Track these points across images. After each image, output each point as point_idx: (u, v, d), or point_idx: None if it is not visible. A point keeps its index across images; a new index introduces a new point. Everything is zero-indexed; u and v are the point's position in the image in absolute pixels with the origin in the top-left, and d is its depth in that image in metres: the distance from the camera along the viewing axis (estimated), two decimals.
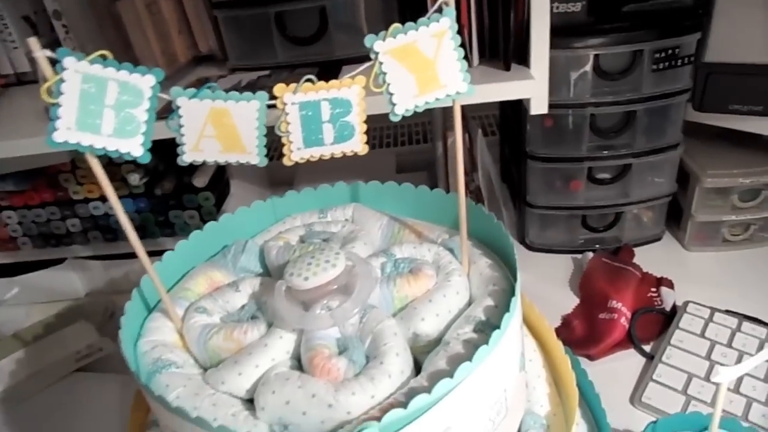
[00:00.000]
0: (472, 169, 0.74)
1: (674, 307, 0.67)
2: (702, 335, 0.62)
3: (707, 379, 0.58)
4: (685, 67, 0.66)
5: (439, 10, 0.37)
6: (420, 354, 0.39)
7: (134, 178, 0.77)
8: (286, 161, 0.38)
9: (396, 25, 0.36)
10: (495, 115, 1.10)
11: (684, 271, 0.73)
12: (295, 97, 0.36)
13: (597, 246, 0.78)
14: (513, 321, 0.37)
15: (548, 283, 0.74)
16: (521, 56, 0.58)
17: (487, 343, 0.34)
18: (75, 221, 0.83)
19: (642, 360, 0.62)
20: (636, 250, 0.76)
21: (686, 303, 0.66)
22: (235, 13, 0.65)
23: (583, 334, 0.65)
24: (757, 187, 0.71)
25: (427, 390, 0.32)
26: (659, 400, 0.56)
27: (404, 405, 0.31)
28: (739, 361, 0.59)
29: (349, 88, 0.37)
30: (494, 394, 0.36)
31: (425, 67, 0.37)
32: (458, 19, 0.37)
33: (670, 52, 0.65)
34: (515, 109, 0.74)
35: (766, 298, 0.67)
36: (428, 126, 1.12)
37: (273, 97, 0.36)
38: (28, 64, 0.78)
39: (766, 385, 0.56)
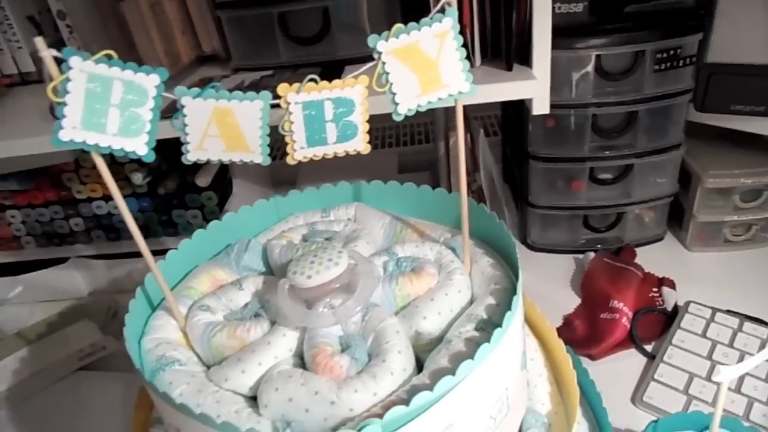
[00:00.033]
0: (474, 169, 0.74)
1: (676, 307, 0.67)
2: (703, 335, 0.62)
3: (708, 379, 0.58)
4: (686, 68, 0.66)
5: (442, 11, 0.37)
6: (422, 352, 0.39)
7: (137, 178, 0.77)
8: (289, 160, 0.38)
9: (399, 26, 0.36)
10: (497, 115, 1.11)
11: (685, 271, 0.73)
12: (299, 96, 0.36)
13: (599, 246, 0.78)
14: (515, 319, 0.37)
15: (550, 283, 0.74)
16: (523, 56, 0.58)
17: (488, 341, 0.34)
18: (78, 220, 0.84)
19: (643, 360, 0.62)
20: (638, 250, 0.76)
21: (688, 303, 0.66)
22: (238, 14, 0.65)
23: (584, 334, 0.65)
24: (759, 188, 0.71)
25: (429, 387, 0.32)
26: (660, 399, 0.56)
27: (406, 402, 0.31)
28: (740, 361, 0.59)
29: (352, 87, 0.37)
30: (496, 392, 0.36)
31: (428, 67, 0.37)
32: (460, 20, 0.38)
33: (672, 52, 0.65)
34: (517, 109, 0.74)
35: None
36: (430, 126, 1.12)
37: (276, 97, 0.36)
38: (32, 64, 0.79)
39: None
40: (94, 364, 0.69)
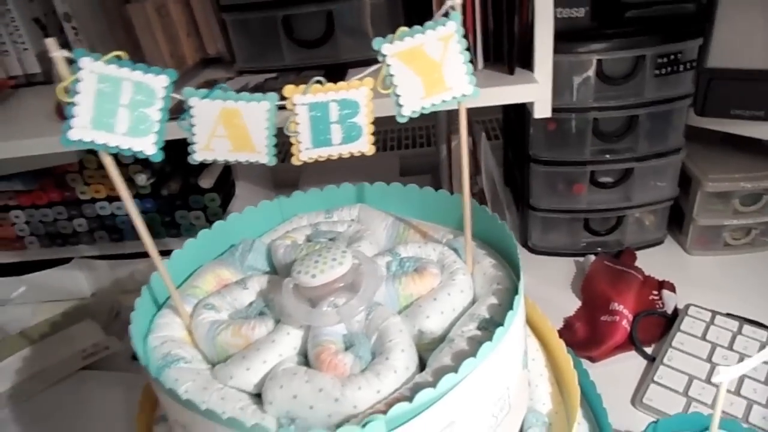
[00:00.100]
0: (475, 172, 0.75)
1: (675, 310, 0.67)
2: (703, 338, 0.63)
3: (708, 381, 0.58)
4: (687, 73, 0.67)
5: (446, 14, 0.37)
6: (424, 351, 0.40)
7: (141, 179, 0.78)
8: (294, 161, 0.39)
9: (403, 29, 0.36)
10: (498, 119, 1.11)
11: (685, 274, 0.73)
12: (305, 98, 0.37)
13: (599, 249, 0.78)
14: (516, 319, 0.37)
15: (550, 286, 0.74)
16: (525, 60, 0.59)
17: (491, 340, 0.34)
18: (82, 221, 0.84)
19: (643, 362, 0.62)
20: (638, 253, 0.77)
21: (687, 306, 0.67)
22: (243, 17, 0.66)
23: (584, 336, 0.65)
24: (759, 192, 0.71)
25: (432, 385, 0.32)
26: (660, 401, 0.57)
27: (409, 399, 0.32)
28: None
29: (357, 89, 0.37)
30: (498, 391, 0.37)
31: (432, 70, 0.38)
32: (463, 24, 0.38)
33: (672, 57, 0.65)
34: (519, 113, 0.75)
35: (767, 302, 0.67)
36: (432, 129, 1.13)
37: (282, 98, 0.37)
38: (37, 66, 0.79)
39: (767, 387, 0.56)
40: (96, 363, 0.70)
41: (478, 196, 0.74)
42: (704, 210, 0.74)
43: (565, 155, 0.72)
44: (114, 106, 0.35)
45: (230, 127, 0.37)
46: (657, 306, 0.68)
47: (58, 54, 0.33)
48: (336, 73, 0.62)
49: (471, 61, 0.39)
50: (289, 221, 0.53)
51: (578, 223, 0.78)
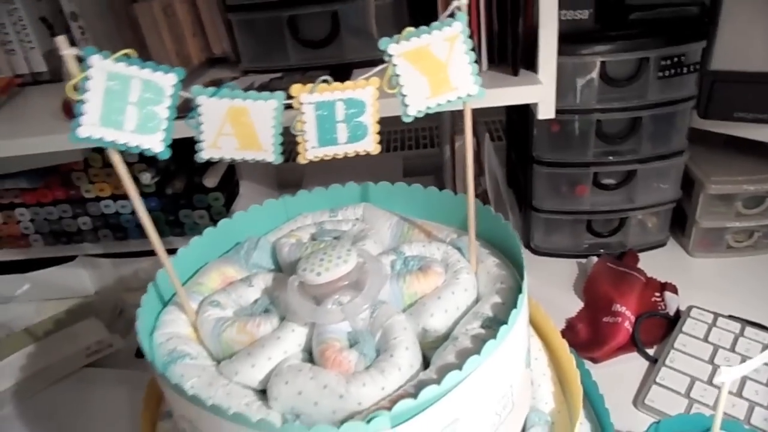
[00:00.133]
0: (479, 173, 0.75)
1: (678, 312, 0.67)
2: (705, 340, 0.63)
3: (710, 382, 0.58)
4: (690, 75, 0.67)
5: (452, 15, 0.38)
6: (428, 350, 0.40)
7: (146, 177, 0.78)
8: (300, 159, 0.39)
9: (410, 29, 0.37)
10: (501, 120, 1.11)
11: (688, 276, 0.73)
12: (311, 97, 0.37)
13: (601, 251, 0.78)
14: (520, 317, 0.38)
15: (553, 287, 0.75)
16: (529, 62, 0.59)
17: (495, 338, 0.34)
18: (86, 219, 0.85)
19: (645, 363, 0.62)
20: (640, 255, 0.77)
21: (690, 308, 0.67)
22: (248, 17, 0.66)
23: (587, 338, 0.66)
24: (761, 195, 0.71)
25: (437, 382, 0.32)
26: (662, 402, 0.57)
27: (414, 396, 0.32)
28: None
29: (364, 89, 0.38)
30: (501, 389, 0.37)
31: (437, 70, 0.38)
32: (468, 25, 0.38)
33: (675, 59, 0.66)
34: (522, 114, 0.75)
35: None
36: (435, 131, 1.13)
37: (289, 97, 0.37)
38: (44, 64, 0.80)
39: None
40: (100, 361, 0.70)
41: (481, 196, 0.75)
42: (707, 212, 0.74)
43: (568, 157, 0.72)
44: (123, 104, 0.35)
45: (237, 125, 0.37)
46: (659, 308, 0.68)
47: (68, 52, 0.33)
48: (341, 74, 0.62)
49: (476, 62, 0.39)
50: (293, 220, 0.53)
51: (581, 225, 0.78)
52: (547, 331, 0.50)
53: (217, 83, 0.37)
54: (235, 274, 0.47)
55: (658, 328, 0.66)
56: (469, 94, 0.40)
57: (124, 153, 0.37)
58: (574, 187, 0.75)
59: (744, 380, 0.57)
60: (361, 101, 0.38)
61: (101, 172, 0.80)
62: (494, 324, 0.39)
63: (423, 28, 0.37)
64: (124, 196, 0.83)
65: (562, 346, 0.48)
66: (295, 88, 0.37)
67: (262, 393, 0.38)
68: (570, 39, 0.62)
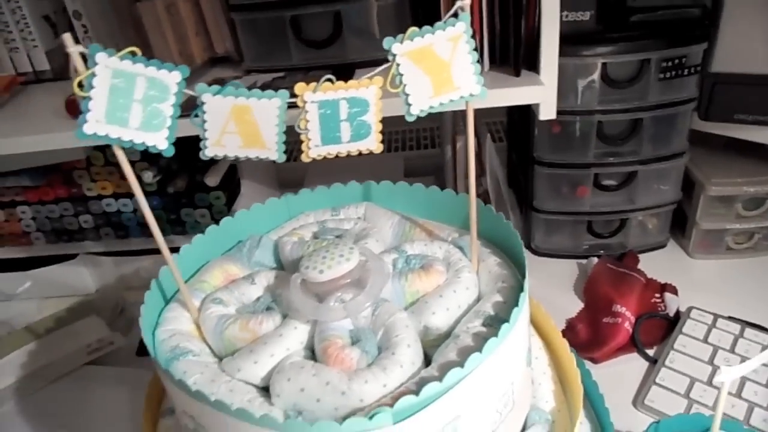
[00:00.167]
0: (480, 173, 0.75)
1: (678, 313, 0.68)
2: (705, 340, 0.63)
3: (710, 383, 0.58)
4: (691, 77, 0.68)
5: (455, 15, 0.38)
6: (430, 348, 0.40)
7: (147, 176, 0.78)
8: (303, 158, 0.39)
9: (413, 29, 0.37)
10: (502, 122, 1.12)
11: (688, 278, 0.73)
12: (315, 95, 0.37)
13: (602, 252, 0.78)
14: (521, 316, 0.38)
15: (553, 288, 0.75)
16: (531, 62, 0.59)
17: (496, 336, 0.35)
18: (88, 217, 0.85)
19: (645, 364, 0.63)
20: (640, 256, 0.77)
21: (690, 309, 0.67)
22: (251, 16, 0.66)
23: (587, 338, 0.66)
24: (761, 196, 0.72)
25: (438, 379, 0.33)
26: (662, 403, 0.57)
27: (416, 393, 0.32)
28: None
29: (367, 88, 0.38)
30: (502, 387, 0.37)
31: (440, 70, 0.38)
32: (470, 25, 0.39)
33: (677, 61, 0.66)
34: (523, 115, 0.75)
35: None
36: (436, 131, 1.13)
37: (293, 96, 0.37)
38: (46, 63, 0.80)
39: None
40: (101, 359, 0.70)
41: (482, 197, 0.75)
42: (707, 214, 0.74)
43: (569, 158, 0.73)
44: (128, 101, 0.35)
45: (241, 123, 0.37)
46: (659, 308, 0.68)
47: (74, 49, 0.33)
48: (343, 74, 0.62)
49: (478, 62, 0.39)
50: (296, 218, 0.53)
51: (581, 226, 0.78)
52: (548, 331, 0.50)
53: (220, 82, 0.37)
54: (237, 271, 0.47)
55: (658, 329, 0.66)
56: (472, 93, 0.40)
57: (127, 151, 0.37)
58: (574, 188, 0.75)
59: (743, 381, 0.58)
60: (365, 100, 0.38)
61: (103, 170, 0.81)
62: (495, 322, 0.39)
63: (426, 27, 0.37)
64: (126, 195, 0.83)
65: (563, 346, 0.48)
66: (299, 87, 0.37)
67: (265, 390, 0.38)
68: (571, 40, 0.62)
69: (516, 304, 0.37)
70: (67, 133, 0.63)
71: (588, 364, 0.61)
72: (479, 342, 0.36)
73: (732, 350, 0.62)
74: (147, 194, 0.80)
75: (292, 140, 0.40)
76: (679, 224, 0.79)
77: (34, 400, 0.66)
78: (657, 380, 0.59)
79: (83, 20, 0.74)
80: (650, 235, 0.79)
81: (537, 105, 0.59)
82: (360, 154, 0.40)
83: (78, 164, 0.80)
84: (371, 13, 0.65)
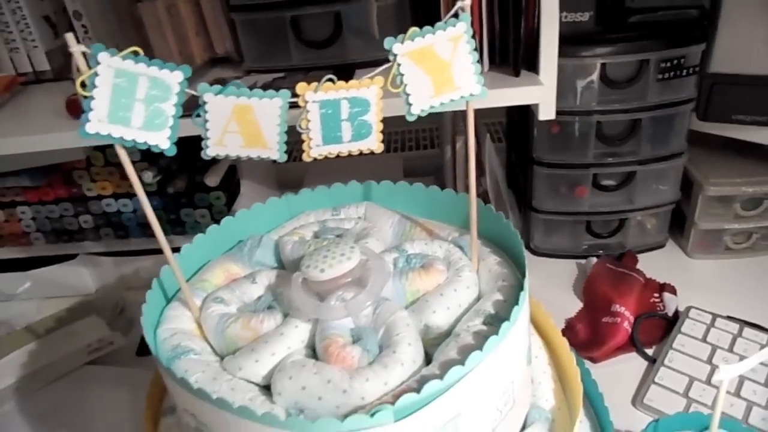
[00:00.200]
0: (479, 174, 0.75)
1: (676, 313, 0.68)
2: (704, 340, 0.63)
3: (708, 382, 0.59)
4: (690, 77, 0.68)
5: (456, 15, 0.38)
6: (430, 346, 0.40)
7: (147, 176, 0.79)
8: (304, 157, 0.40)
9: (414, 29, 0.37)
10: (501, 122, 1.12)
11: (686, 277, 0.74)
12: (316, 95, 0.37)
13: (601, 252, 0.79)
14: (521, 314, 0.38)
15: (552, 288, 0.75)
16: (530, 63, 0.60)
17: (497, 334, 0.35)
18: (87, 218, 0.85)
19: (644, 363, 0.63)
20: (639, 256, 0.77)
21: (688, 308, 0.67)
22: (251, 17, 0.66)
23: (586, 338, 0.66)
24: (760, 196, 0.72)
25: (439, 377, 0.33)
26: (661, 402, 0.57)
27: (417, 391, 0.32)
28: None
29: (368, 88, 0.38)
30: (502, 385, 0.37)
31: (441, 69, 0.39)
32: (470, 26, 0.39)
33: (675, 62, 0.66)
34: (522, 115, 0.76)
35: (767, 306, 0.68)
36: (435, 132, 1.13)
37: (294, 96, 0.38)
38: (46, 63, 0.80)
39: (767, 389, 0.57)
40: (101, 359, 0.70)
41: (481, 197, 0.75)
42: (705, 214, 0.75)
43: (568, 158, 0.73)
44: (130, 101, 0.35)
45: (243, 123, 0.38)
46: (658, 308, 0.68)
47: (77, 49, 0.33)
48: (343, 74, 0.62)
49: (478, 62, 0.40)
50: (296, 218, 0.53)
51: (580, 226, 0.78)
52: (548, 330, 0.51)
53: (221, 83, 0.37)
54: (238, 271, 0.48)
55: (657, 329, 0.66)
56: (472, 93, 0.40)
57: (127, 151, 0.37)
58: (573, 188, 0.75)
59: (742, 380, 0.58)
60: (366, 100, 0.38)
61: (103, 170, 0.81)
62: (496, 321, 0.39)
63: (427, 28, 0.38)
64: (126, 195, 0.83)
65: (563, 345, 0.48)
66: (301, 87, 0.37)
67: (266, 389, 0.38)
68: (570, 41, 0.62)
69: (516, 303, 0.37)
70: (67, 133, 0.63)
71: (587, 363, 0.61)
72: (480, 340, 0.36)
73: (731, 349, 0.62)
74: (147, 194, 0.81)
75: (292, 140, 0.40)
76: (678, 224, 0.79)
77: (35, 399, 0.66)
78: (656, 379, 0.59)
79: (83, 20, 0.74)
80: (649, 235, 0.80)
81: (536, 105, 0.59)
82: (361, 153, 0.41)
83: (78, 164, 0.80)
84: (371, 14, 0.65)
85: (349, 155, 0.40)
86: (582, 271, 0.77)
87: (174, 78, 0.36)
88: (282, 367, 0.37)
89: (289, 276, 0.42)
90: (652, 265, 0.75)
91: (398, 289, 0.43)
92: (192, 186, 0.81)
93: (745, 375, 0.58)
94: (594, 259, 0.75)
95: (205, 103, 0.37)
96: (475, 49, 0.39)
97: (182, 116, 0.37)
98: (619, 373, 0.61)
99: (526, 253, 0.81)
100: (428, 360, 0.39)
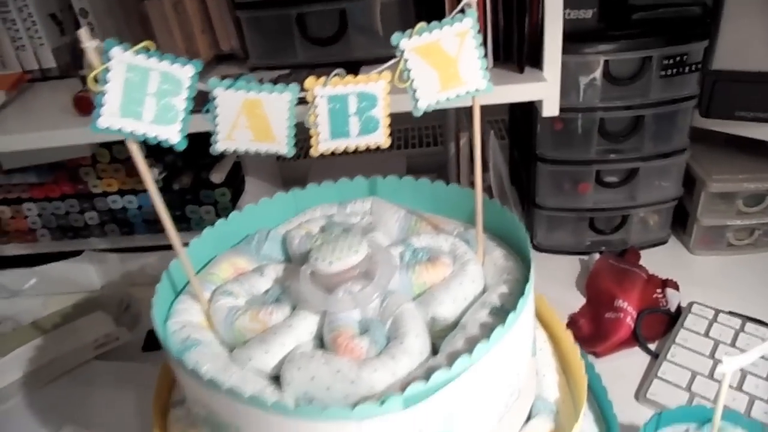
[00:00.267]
0: (483, 170, 0.76)
1: (679, 308, 0.68)
2: (706, 335, 0.64)
3: (711, 377, 0.59)
4: (692, 74, 0.68)
5: (462, 11, 0.39)
6: (437, 339, 0.41)
7: (153, 173, 0.79)
8: (312, 152, 0.40)
9: (422, 24, 0.38)
10: (504, 120, 1.12)
11: (689, 274, 0.74)
12: (325, 90, 0.38)
13: (603, 248, 0.79)
14: (527, 305, 0.38)
15: (555, 283, 0.75)
16: (534, 59, 0.60)
17: (503, 324, 0.35)
18: (93, 214, 0.86)
19: (647, 358, 0.63)
20: (642, 252, 0.78)
21: (691, 304, 0.68)
22: (257, 14, 0.67)
23: (589, 333, 0.66)
24: (762, 193, 0.72)
25: (447, 367, 0.33)
26: (664, 396, 0.58)
27: (425, 379, 0.33)
28: None
29: (376, 83, 0.39)
30: (508, 376, 0.38)
31: (447, 65, 0.39)
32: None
33: (678, 59, 0.67)
34: (526, 112, 0.76)
35: None
36: (438, 129, 1.14)
37: (303, 90, 0.38)
38: (52, 60, 0.80)
39: None
40: (107, 354, 0.71)
41: (485, 193, 0.76)
42: (708, 210, 0.75)
43: (571, 154, 0.73)
44: (141, 95, 0.36)
45: (252, 117, 0.38)
46: (660, 304, 0.69)
47: (90, 44, 0.34)
48: (349, 72, 0.63)
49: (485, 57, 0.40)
50: (303, 213, 0.54)
51: (583, 222, 0.79)
52: (552, 323, 0.51)
53: None
54: (246, 264, 0.48)
55: (660, 324, 0.67)
56: (478, 88, 0.41)
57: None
58: (576, 185, 0.76)
59: (744, 374, 0.58)
60: (373, 95, 0.39)
61: (109, 167, 0.81)
62: (501, 313, 0.39)
63: (434, 23, 0.38)
64: (131, 192, 0.84)
65: (566, 337, 0.49)
66: (309, 81, 0.37)
67: (275, 380, 0.39)
68: (574, 38, 0.63)
69: (522, 294, 0.38)
70: (74, 129, 0.64)
71: (590, 358, 0.62)
72: (486, 332, 0.37)
73: (733, 344, 0.62)
74: None
75: (297, 137, 0.40)
76: (680, 221, 0.80)
77: (41, 394, 0.66)
78: (659, 374, 0.60)
79: (90, 18, 0.75)
80: (651, 231, 0.80)
81: (540, 102, 0.60)
82: (367, 149, 0.41)
83: (84, 161, 0.81)
84: (376, 11, 0.66)
85: (354, 152, 0.41)
86: (585, 268, 0.77)
87: (185, 73, 0.36)
88: (291, 358, 0.38)
89: (296, 269, 0.43)
90: (654, 261, 0.75)
91: (405, 282, 0.43)
92: (197, 183, 0.82)
93: (748, 369, 0.58)
94: (597, 256, 0.76)
95: (215, 98, 0.37)
96: (482, 45, 0.40)
97: (192, 112, 0.37)
98: (622, 368, 0.62)
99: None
100: (434, 353, 0.40)
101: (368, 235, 0.48)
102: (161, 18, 0.66)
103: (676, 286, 0.71)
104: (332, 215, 0.52)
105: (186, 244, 0.46)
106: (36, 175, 0.82)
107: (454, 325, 0.41)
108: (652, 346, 0.64)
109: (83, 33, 0.34)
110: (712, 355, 0.62)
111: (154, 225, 0.86)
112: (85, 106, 0.64)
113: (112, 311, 0.77)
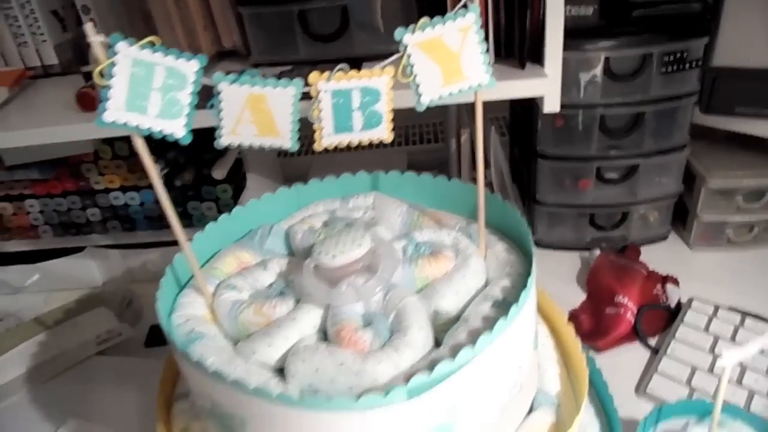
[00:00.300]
0: (484, 166, 0.76)
1: (679, 304, 0.69)
2: (706, 330, 0.64)
3: (711, 372, 0.59)
4: (692, 71, 0.69)
5: (465, 6, 0.39)
6: (439, 332, 0.41)
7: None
8: (316, 146, 0.40)
9: (425, 19, 0.38)
10: (504, 117, 1.13)
11: (688, 270, 0.74)
12: (329, 85, 0.38)
13: (604, 244, 0.79)
14: (529, 297, 0.39)
15: (556, 279, 0.76)
16: (536, 56, 0.60)
17: (506, 317, 0.36)
18: (95, 210, 0.86)
19: (647, 353, 0.64)
20: (642, 248, 0.78)
21: (691, 300, 0.68)
22: (259, 10, 0.67)
23: (590, 328, 0.67)
24: (762, 189, 0.73)
25: (450, 359, 0.34)
26: (664, 391, 0.58)
27: (429, 370, 0.33)
28: None
29: (379, 77, 0.39)
30: (510, 368, 0.38)
31: (450, 60, 0.40)
32: None
33: (678, 55, 0.67)
34: (526, 109, 0.76)
35: None
36: (439, 126, 1.14)
37: (307, 85, 0.38)
38: (54, 57, 0.81)
39: None
40: (109, 349, 0.71)
41: (487, 188, 0.76)
42: (708, 206, 0.75)
43: (572, 151, 0.74)
44: (146, 90, 0.36)
45: (256, 112, 0.38)
46: (661, 299, 0.69)
47: (95, 39, 0.34)
48: (351, 67, 0.64)
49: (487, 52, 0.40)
50: (306, 208, 0.54)
51: (584, 218, 0.79)
52: (553, 317, 0.51)
53: None
54: (249, 259, 0.48)
55: (660, 320, 0.67)
56: (481, 83, 0.41)
57: (133, 146, 0.38)
58: (577, 181, 0.76)
59: (744, 369, 0.59)
60: (377, 90, 0.39)
61: (111, 163, 0.82)
62: (504, 306, 0.40)
63: (437, 18, 0.38)
64: (133, 188, 0.84)
65: (568, 331, 0.49)
66: (313, 76, 0.38)
67: (279, 372, 0.39)
68: (574, 35, 0.63)
69: (524, 287, 0.38)
70: (76, 125, 0.64)
71: (591, 352, 0.62)
72: (488, 324, 0.37)
73: (732, 340, 0.63)
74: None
75: (300, 133, 0.41)
76: (680, 217, 0.80)
77: (45, 389, 0.66)
78: (659, 369, 0.60)
79: (92, 14, 0.75)
80: (652, 227, 0.80)
81: (541, 98, 0.60)
82: (369, 145, 0.41)
83: (86, 158, 0.81)
84: (377, 8, 0.66)
85: (355, 149, 0.41)
86: (585, 263, 0.78)
87: (190, 67, 0.37)
88: (295, 350, 0.38)
89: (300, 263, 0.43)
90: (654, 257, 0.76)
91: (408, 276, 0.43)
92: (199, 179, 0.82)
93: (747, 364, 0.59)
94: (597, 252, 0.76)
95: (219, 92, 0.37)
96: (484, 40, 0.40)
97: (195, 107, 0.38)
98: (622, 363, 0.62)
99: None
100: (437, 346, 0.40)
101: (371, 229, 0.48)
102: (163, 14, 0.66)
103: (676, 282, 0.71)
104: (335, 210, 0.53)
105: (190, 239, 0.47)
106: (38, 171, 0.82)
107: (457, 318, 0.41)
108: (652, 342, 0.65)
109: (89, 27, 0.34)
110: (711, 351, 0.62)
111: (155, 221, 0.86)
112: (88, 102, 0.65)
113: (114, 307, 0.77)
